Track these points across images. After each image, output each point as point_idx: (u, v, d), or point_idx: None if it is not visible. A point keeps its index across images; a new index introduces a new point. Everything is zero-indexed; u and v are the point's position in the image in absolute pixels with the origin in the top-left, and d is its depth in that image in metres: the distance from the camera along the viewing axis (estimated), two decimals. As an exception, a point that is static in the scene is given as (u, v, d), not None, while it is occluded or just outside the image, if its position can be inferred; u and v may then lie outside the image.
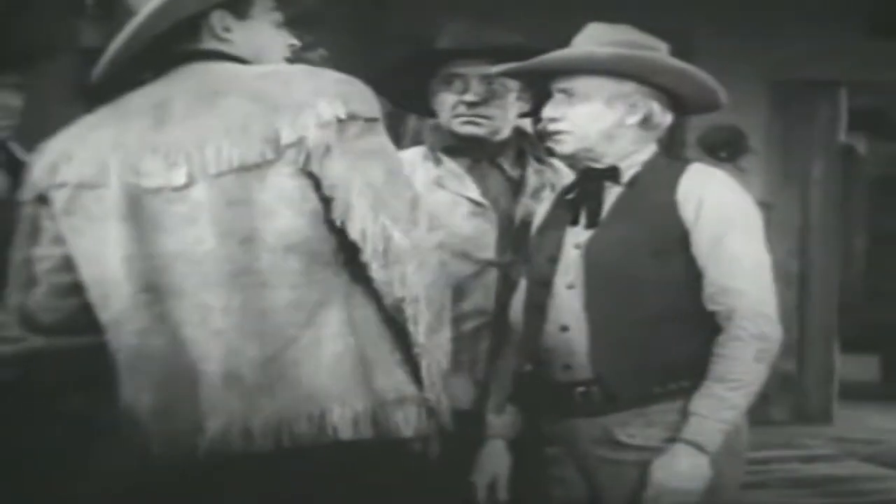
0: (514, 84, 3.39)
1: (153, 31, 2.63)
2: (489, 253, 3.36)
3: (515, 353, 3.21)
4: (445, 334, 2.54)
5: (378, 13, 7.15)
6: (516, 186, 3.44)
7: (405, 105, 3.64)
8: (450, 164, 3.41)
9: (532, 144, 3.54)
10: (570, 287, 3.07)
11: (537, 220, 3.27)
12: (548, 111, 3.13)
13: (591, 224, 3.09)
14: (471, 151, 3.42)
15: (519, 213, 3.40)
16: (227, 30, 2.64)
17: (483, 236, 3.36)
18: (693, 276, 3.02)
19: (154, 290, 2.58)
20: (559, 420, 3.11)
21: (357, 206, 2.49)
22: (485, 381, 3.34)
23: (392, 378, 2.52)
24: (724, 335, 2.99)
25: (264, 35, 2.69)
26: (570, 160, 3.19)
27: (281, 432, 2.48)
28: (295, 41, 2.73)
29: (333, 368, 2.50)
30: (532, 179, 3.45)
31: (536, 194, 3.43)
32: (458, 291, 3.29)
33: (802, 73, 8.56)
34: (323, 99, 2.51)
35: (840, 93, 9.02)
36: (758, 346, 2.98)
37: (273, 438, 2.48)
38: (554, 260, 3.11)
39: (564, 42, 3.21)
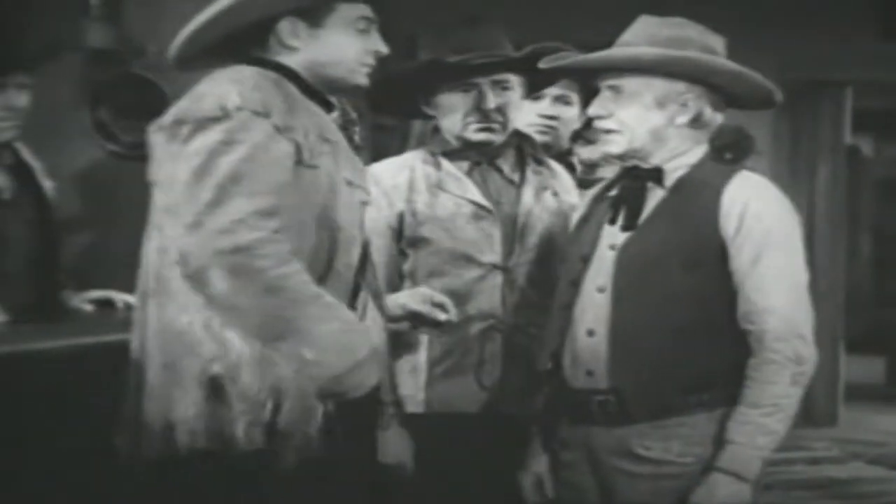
0: (518, 84, 3.38)
1: (213, 34, 2.68)
2: (493, 256, 3.34)
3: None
4: (285, 346, 2.50)
5: (384, 14, 7.12)
6: (517, 188, 3.42)
7: (394, 112, 3.63)
8: (449, 167, 3.39)
9: (532, 146, 3.53)
10: (601, 290, 3.02)
11: (576, 215, 3.22)
12: (594, 108, 3.06)
13: (629, 226, 3.04)
14: (472, 154, 3.40)
15: (521, 215, 3.38)
16: (296, 37, 2.66)
17: (487, 239, 3.34)
18: (726, 291, 2.97)
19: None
20: (576, 425, 3.07)
21: (161, 211, 2.51)
22: (491, 384, 3.33)
23: (237, 389, 2.53)
24: (756, 358, 2.94)
25: (336, 44, 2.69)
26: (618, 159, 3.11)
27: (167, 440, 2.55)
28: (381, 48, 2.74)
29: (199, 380, 2.54)
30: (532, 181, 3.44)
31: (537, 196, 3.41)
32: (463, 295, 3.29)
33: (810, 75, 8.55)
34: (174, 103, 2.55)
35: (846, 94, 9.00)
36: (794, 370, 2.92)
37: (163, 445, 2.56)
38: (586, 259, 3.06)
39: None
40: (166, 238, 2.51)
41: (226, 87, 2.55)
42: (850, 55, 8.53)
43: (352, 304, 2.68)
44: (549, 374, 3.12)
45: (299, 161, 2.58)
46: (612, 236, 3.06)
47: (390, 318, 3.01)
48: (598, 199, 3.17)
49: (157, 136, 2.55)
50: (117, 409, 2.64)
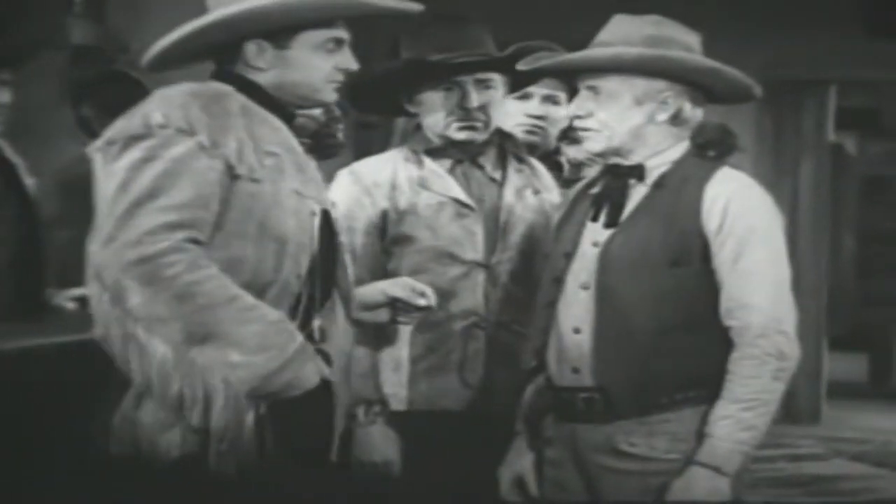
0: (500, 83, 3.38)
1: (183, 51, 2.75)
2: (476, 254, 3.34)
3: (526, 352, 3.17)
4: (210, 350, 2.53)
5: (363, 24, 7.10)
6: (499, 186, 3.42)
7: (377, 110, 3.63)
8: (432, 165, 3.39)
9: (514, 144, 3.53)
10: (586, 287, 3.02)
11: (558, 213, 3.23)
12: (574, 108, 3.06)
13: (611, 223, 3.04)
14: (454, 152, 3.41)
15: (503, 212, 3.38)
16: (263, 58, 2.72)
17: (470, 237, 3.34)
18: (710, 288, 2.97)
19: None
20: (562, 423, 3.07)
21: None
22: (474, 382, 3.33)
23: (165, 396, 2.56)
24: (737, 352, 2.93)
25: (303, 65, 2.74)
26: (599, 157, 3.12)
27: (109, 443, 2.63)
28: (350, 65, 2.78)
29: (128, 389, 2.61)
30: (513, 179, 3.44)
31: (519, 194, 3.42)
32: (446, 293, 3.29)
33: (792, 72, 8.57)
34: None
35: (829, 91, 9.02)
36: (775, 365, 2.92)
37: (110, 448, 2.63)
38: (569, 256, 3.06)
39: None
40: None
41: (152, 106, 2.63)
42: (833, 53, 8.55)
43: (305, 316, 2.71)
44: (534, 371, 3.13)
45: (236, 176, 2.62)
46: (595, 233, 3.06)
47: (370, 306, 3.02)
48: (580, 197, 3.17)
49: (95, 157, 2.62)
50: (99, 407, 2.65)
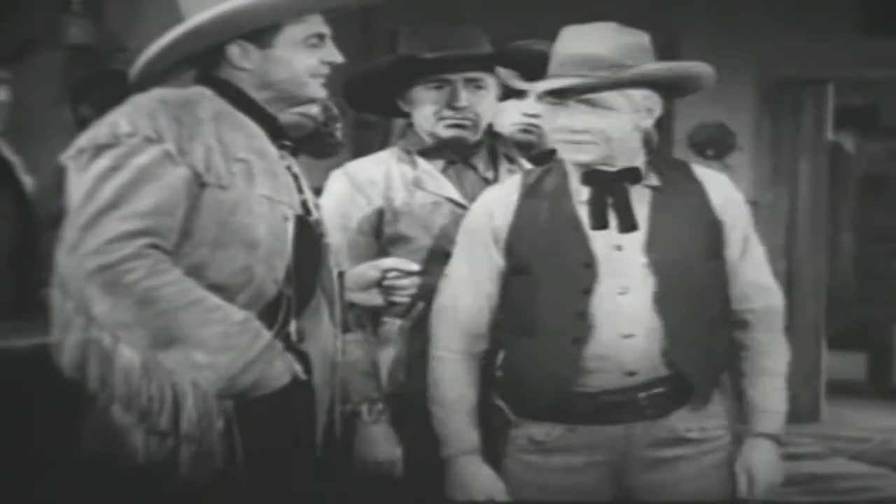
0: (492, 84, 3.37)
1: (169, 59, 2.76)
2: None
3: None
4: (175, 353, 2.55)
5: (365, 13, 7.12)
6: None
7: (372, 109, 3.63)
8: (425, 165, 3.39)
9: (504, 144, 3.52)
10: (624, 293, 3.03)
11: (504, 220, 3.14)
12: (572, 122, 3.04)
13: (628, 227, 3.05)
14: (447, 153, 3.40)
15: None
16: (247, 59, 2.73)
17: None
18: (726, 277, 3.11)
19: None
20: (600, 426, 3.07)
21: None
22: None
23: (133, 400, 2.58)
24: (768, 333, 3.14)
25: (287, 62, 2.75)
26: (581, 166, 3.10)
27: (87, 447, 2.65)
28: (335, 58, 2.78)
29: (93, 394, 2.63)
30: (505, 179, 3.43)
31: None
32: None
33: (790, 71, 8.57)
34: None
35: (827, 90, 9.02)
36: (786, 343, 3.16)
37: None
38: (590, 265, 3.04)
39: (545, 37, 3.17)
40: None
41: (121, 114, 2.64)
42: (831, 52, 8.54)
43: (286, 318, 2.71)
44: (558, 379, 3.08)
45: (203, 183, 2.63)
46: (613, 238, 3.06)
47: (364, 285, 3.01)
48: (538, 204, 3.12)
49: (68, 165, 2.65)
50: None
